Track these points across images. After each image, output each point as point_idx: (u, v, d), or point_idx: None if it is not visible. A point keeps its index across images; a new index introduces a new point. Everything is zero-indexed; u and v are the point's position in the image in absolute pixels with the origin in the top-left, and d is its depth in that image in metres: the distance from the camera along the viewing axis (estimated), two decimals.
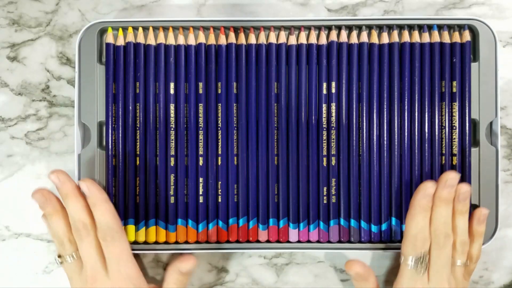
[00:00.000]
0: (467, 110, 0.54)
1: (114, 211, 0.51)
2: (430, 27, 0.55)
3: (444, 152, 0.54)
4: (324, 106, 0.54)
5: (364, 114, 0.54)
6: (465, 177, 0.54)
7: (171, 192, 0.54)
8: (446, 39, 0.54)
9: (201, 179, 0.54)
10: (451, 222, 0.51)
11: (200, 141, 0.54)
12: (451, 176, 0.50)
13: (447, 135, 0.54)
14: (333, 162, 0.54)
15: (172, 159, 0.54)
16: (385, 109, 0.54)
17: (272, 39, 0.54)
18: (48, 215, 0.51)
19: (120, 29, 0.54)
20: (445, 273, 0.50)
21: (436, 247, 0.50)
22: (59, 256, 0.52)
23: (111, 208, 0.51)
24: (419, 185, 0.51)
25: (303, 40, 0.54)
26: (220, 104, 0.54)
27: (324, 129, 0.54)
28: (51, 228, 0.52)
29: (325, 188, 0.54)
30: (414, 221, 0.50)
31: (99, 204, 0.50)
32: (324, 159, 0.54)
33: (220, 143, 0.54)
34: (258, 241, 0.55)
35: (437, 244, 0.50)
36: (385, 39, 0.54)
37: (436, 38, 0.54)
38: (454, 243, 0.51)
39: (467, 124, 0.54)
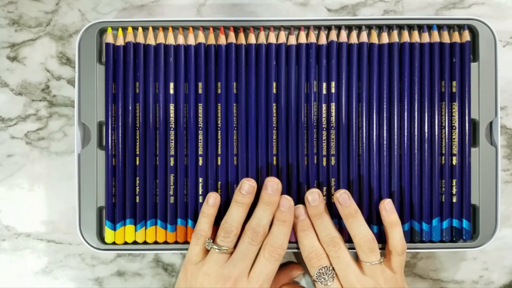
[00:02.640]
0: (466, 110, 0.54)
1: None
2: (429, 27, 0.55)
3: (443, 152, 0.54)
4: (324, 106, 0.54)
5: (364, 114, 0.54)
6: (465, 177, 0.54)
7: (171, 192, 0.54)
8: (446, 39, 0.54)
9: (200, 179, 0.54)
10: (347, 226, 0.52)
11: (199, 141, 0.54)
12: (309, 193, 0.52)
13: (446, 135, 0.54)
14: (333, 162, 0.54)
15: (172, 159, 0.54)
16: (384, 109, 0.54)
17: (272, 39, 0.54)
18: (240, 204, 0.52)
19: (120, 29, 0.54)
20: (352, 274, 0.50)
21: (331, 257, 0.51)
22: (212, 241, 0.52)
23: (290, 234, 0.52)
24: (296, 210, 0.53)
25: (302, 40, 0.54)
26: (219, 104, 0.54)
27: (324, 129, 0.54)
28: (232, 214, 0.52)
29: (324, 188, 0.54)
30: (300, 244, 0.52)
31: (288, 225, 0.52)
32: (324, 159, 0.54)
33: (219, 143, 0.54)
34: None
35: (330, 254, 0.51)
36: (384, 39, 0.54)
37: (435, 38, 0.54)
38: (359, 245, 0.51)
39: (466, 124, 0.54)
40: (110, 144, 0.54)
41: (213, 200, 0.52)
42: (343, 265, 0.50)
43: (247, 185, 0.52)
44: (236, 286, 0.49)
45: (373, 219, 0.54)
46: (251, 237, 0.50)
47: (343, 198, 0.51)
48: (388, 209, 0.52)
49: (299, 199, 0.54)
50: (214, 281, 0.49)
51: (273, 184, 0.52)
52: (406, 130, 0.54)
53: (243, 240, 0.50)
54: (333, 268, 0.51)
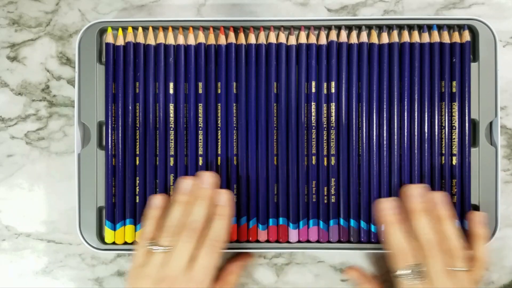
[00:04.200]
0: (466, 110, 0.54)
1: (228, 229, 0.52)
2: (430, 27, 0.55)
3: (443, 152, 0.54)
4: (324, 106, 0.54)
5: (364, 114, 0.54)
6: (464, 177, 0.54)
7: (171, 192, 0.54)
8: (446, 39, 0.54)
9: None
10: (439, 229, 0.50)
11: (199, 141, 0.54)
12: (413, 187, 0.51)
13: (446, 135, 0.54)
14: (333, 162, 0.54)
15: (172, 159, 0.54)
16: (384, 109, 0.54)
17: (272, 39, 0.54)
18: (182, 203, 0.51)
19: (120, 29, 0.54)
20: (446, 279, 0.48)
21: (427, 256, 0.49)
22: (152, 242, 0.51)
23: (229, 227, 0.52)
24: (376, 204, 0.52)
25: (303, 40, 0.54)
26: (219, 104, 0.54)
27: (324, 129, 0.54)
28: (174, 213, 0.51)
29: (325, 188, 0.54)
30: (391, 236, 0.50)
31: (226, 218, 0.51)
32: (324, 159, 0.54)
33: (219, 143, 0.54)
34: (257, 241, 0.55)
35: (425, 253, 0.49)
36: (384, 39, 0.54)
37: (435, 38, 0.54)
38: (448, 249, 0.50)
39: (466, 124, 0.54)
40: (110, 144, 0.54)
41: (157, 202, 0.52)
42: (436, 268, 0.49)
43: (185, 184, 0.51)
44: (175, 284, 0.48)
45: (373, 218, 0.54)
46: (186, 234, 0.49)
47: (441, 201, 0.51)
48: (478, 222, 0.53)
49: (299, 199, 0.54)
50: (154, 282, 0.49)
51: (207, 178, 0.51)
52: (406, 130, 0.54)
53: (179, 238, 0.50)
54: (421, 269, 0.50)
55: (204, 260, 0.49)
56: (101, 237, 0.55)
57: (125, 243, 0.55)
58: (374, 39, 0.54)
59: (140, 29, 0.54)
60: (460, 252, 0.49)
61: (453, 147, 0.54)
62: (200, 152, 0.54)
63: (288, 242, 0.55)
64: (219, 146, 0.54)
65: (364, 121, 0.54)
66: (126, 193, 0.54)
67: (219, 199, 0.51)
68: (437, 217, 0.50)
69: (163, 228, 0.50)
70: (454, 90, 0.54)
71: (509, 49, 0.58)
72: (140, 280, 0.49)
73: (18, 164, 0.59)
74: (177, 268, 0.49)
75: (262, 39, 0.54)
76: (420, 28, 0.55)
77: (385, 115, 0.54)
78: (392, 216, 0.51)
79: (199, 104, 0.54)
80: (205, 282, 0.49)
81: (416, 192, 0.51)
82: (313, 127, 0.54)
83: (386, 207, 0.51)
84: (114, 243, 0.55)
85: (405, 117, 0.54)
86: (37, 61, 0.58)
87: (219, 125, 0.54)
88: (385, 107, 0.54)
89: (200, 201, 0.51)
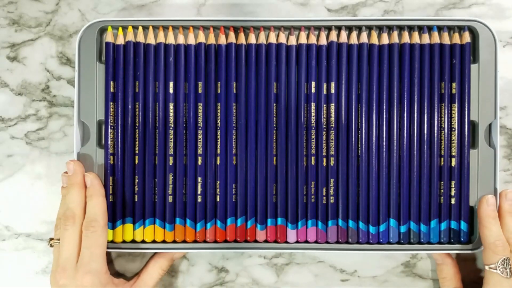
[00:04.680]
0: (466, 112, 0.54)
1: (105, 207, 0.53)
2: (430, 28, 0.55)
3: (443, 153, 0.54)
4: (324, 107, 0.54)
5: (364, 115, 0.54)
6: (463, 179, 0.54)
7: (170, 191, 0.54)
8: (446, 40, 0.54)
9: (199, 179, 0.54)
10: None
11: (199, 140, 0.54)
12: (510, 191, 0.53)
13: (446, 136, 0.54)
14: (332, 162, 0.54)
15: (171, 158, 0.54)
16: (384, 110, 0.54)
17: (272, 39, 0.54)
18: (71, 185, 0.53)
19: (120, 28, 0.54)
20: None
21: None
22: (51, 239, 0.54)
23: (104, 204, 0.53)
24: (481, 198, 0.54)
25: (303, 40, 0.54)
26: (219, 104, 0.54)
27: (323, 129, 0.54)
28: (66, 199, 0.53)
29: (324, 189, 0.54)
30: (487, 230, 0.52)
31: (95, 197, 0.52)
32: (324, 159, 0.54)
33: (219, 143, 0.54)
34: (256, 241, 0.55)
35: None
36: (385, 40, 0.54)
37: (436, 39, 0.54)
38: None
39: (466, 126, 0.54)
40: (109, 143, 0.54)
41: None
42: None
43: (63, 178, 0.54)
44: (66, 271, 0.51)
45: (372, 219, 0.54)
46: (63, 222, 0.51)
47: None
48: None
49: (298, 199, 0.54)
50: (53, 274, 0.52)
51: (70, 166, 0.53)
52: (405, 131, 0.54)
53: (61, 228, 0.52)
54: None
55: (84, 242, 0.51)
56: None
57: (124, 241, 0.55)
58: (374, 40, 0.54)
59: (140, 28, 0.54)
60: None
61: (452, 148, 0.54)
62: (200, 151, 0.54)
63: (286, 242, 0.55)
64: (219, 145, 0.54)
65: (363, 122, 0.54)
66: (125, 192, 0.54)
67: (86, 182, 0.53)
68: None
69: (497, 241, 0.52)
70: (453, 91, 0.54)
71: (509, 49, 0.58)
72: (51, 276, 0.52)
73: (18, 164, 0.59)
74: (65, 256, 0.51)
75: (262, 39, 0.54)
76: (420, 29, 0.54)
77: (384, 116, 0.54)
78: (493, 212, 0.53)
79: (199, 104, 0.54)
80: (92, 263, 0.51)
81: (510, 196, 0.54)
82: (313, 128, 0.54)
83: (490, 202, 0.53)
84: (112, 241, 0.55)
85: (405, 118, 0.54)
86: (37, 61, 0.59)
87: (219, 124, 0.54)
88: (384, 108, 0.54)
89: (70, 189, 0.53)
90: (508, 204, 0.53)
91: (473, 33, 0.55)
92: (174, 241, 0.55)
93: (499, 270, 0.51)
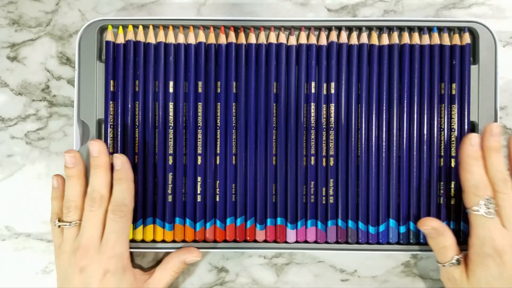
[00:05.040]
0: (466, 113, 0.54)
1: (133, 193, 0.52)
2: (430, 29, 0.55)
3: (442, 154, 0.54)
4: (324, 107, 0.54)
5: (363, 115, 0.54)
6: None
7: (169, 191, 0.54)
8: (446, 41, 0.54)
9: (199, 178, 0.54)
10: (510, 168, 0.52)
11: (198, 140, 0.54)
12: (494, 126, 0.51)
13: (445, 137, 0.54)
14: (332, 162, 0.54)
15: (171, 158, 0.54)
16: (384, 111, 0.54)
17: (272, 39, 0.54)
18: (69, 177, 0.52)
19: (120, 27, 0.54)
20: None
21: (499, 192, 0.50)
22: (59, 220, 0.53)
23: (133, 189, 0.52)
24: (463, 138, 0.51)
25: (303, 40, 0.54)
26: (219, 104, 0.54)
27: (323, 129, 0.54)
28: (67, 189, 0.52)
29: (323, 189, 0.54)
30: (468, 172, 0.50)
31: (125, 181, 0.52)
32: (323, 159, 0.54)
33: (218, 143, 0.54)
34: (255, 241, 0.55)
35: (498, 190, 0.50)
36: (385, 41, 0.54)
37: (436, 40, 0.54)
38: None
39: (466, 127, 0.54)
40: (108, 142, 0.54)
41: (54, 183, 0.54)
42: (510, 203, 0.50)
43: (68, 157, 0.52)
44: (88, 253, 0.50)
45: (372, 219, 0.54)
46: (89, 203, 0.51)
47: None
48: None
49: (297, 199, 0.54)
50: (69, 254, 0.51)
51: (94, 147, 0.52)
52: (405, 132, 0.54)
53: (84, 209, 0.51)
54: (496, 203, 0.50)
55: (111, 226, 0.51)
56: None
57: None
58: (374, 41, 0.54)
59: (141, 27, 0.54)
60: None
61: (452, 149, 0.54)
62: (199, 151, 0.54)
63: (286, 242, 0.55)
64: (218, 145, 0.54)
65: (363, 122, 0.54)
66: None
67: (115, 164, 0.52)
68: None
69: (63, 205, 0.52)
70: (453, 92, 0.54)
71: (509, 49, 0.58)
72: (59, 258, 0.52)
73: (18, 164, 0.59)
74: (88, 237, 0.50)
75: (262, 39, 0.54)
76: (421, 30, 0.54)
77: (384, 117, 0.54)
78: (476, 152, 0.51)
79: (199, 103, 0.54)
80: (116, 248, 0.51)
81: (497, 130, 0.51)
82: (312, 128, 0.54)
83: (474, 142, 0.51)
84: None
85: (405, 119, 0.54)
86: (37, 61, 0.59)
87: (218, 124, 0.54)
88: (384, 108, 0.54)
89: (96, 170, 0.52)
90: (493, 140, 0.51)
91: (473, 34, 0.55)
92: (174, 241, 0.55)
93: (482, 211, 0.49)
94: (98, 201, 0.51)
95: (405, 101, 0.54)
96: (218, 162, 0.54)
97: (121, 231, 0.51)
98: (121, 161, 0.52)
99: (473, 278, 0.50)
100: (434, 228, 0.52)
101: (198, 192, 0.54)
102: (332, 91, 0.54)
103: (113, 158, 0.52)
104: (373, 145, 0.54)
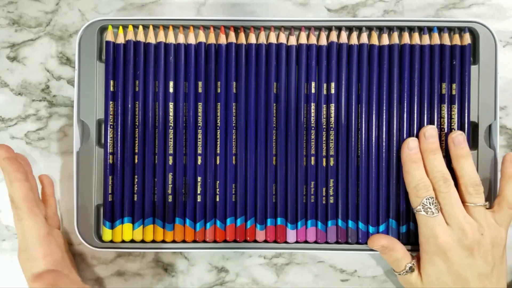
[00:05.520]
0: (466, 113, 0.54)
1: (24, 192, 0.52)
2: (430, 29, 0.55)
3: (443, 154, 0.54)
4: (324, 107, 0.54)
5: (363, 115, 0.54)
6: None
7: (169, 191, 0.54)
8: (446, 41, 0.54)
9: (199, 178, 0.54)
10: (456, 167, 0.52)
11: (199, 140, 0.54)
12: (428, 128, 0.52)
13: (446, 137, 0.54)
14: (332, 163, 0.54)
15: (171, 158, 0.54)
16: (384, 111, 0.54)
17: (272, 39, 0.54)
18: (17, 180, 0.52)
19: (121, 27, 0.54)
20: (458, 211, 0.50)
21: (440, 192, 0.51)
22: None
23: (22, 187, 0.52)
24: (402, 143, 0.53)
25: (303, 40, 0.54)
26: (219, 104, 0.54)
27: (323, 129, 0.54)
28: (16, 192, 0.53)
29: (323, 189, 0.54)
30: (409, 175, 0.52)
31: (12, 182, 0.52)
32: (323, 159, 0.54)
33: (218, 143, 0.54)
34: (255, 241, 0.55)
35: (439, 189, 0.51)
36: (385, 41, 0.54)
37: (436, 40, 0.54)
38: (465, 186, 0.51)
39: (466, 127, 0.54)
40: (108, 142, 0.54)
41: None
42: (451, 201, 0.51)
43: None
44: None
45: (372, 220, 0.54)
46: None
47: (459, 140, 0.52)
48: (508, 160, 0.53)
49: (297, 200, 0.54)
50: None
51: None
52: (405, 132, 0.54)
53: None
54: (438, 202, 0.51)
55: (22, 226, 0.52)
56: (98, 236, 0.55)
57: (123, 241, 0.55)
58: (375, 41, 0.54)
59: (141, 27, 0.54)
60: (478, 188, 0.51)
61: None
62: (199, 151, 0.54)
63: (286, 242, 0.55)
64: (218, 145, 0.54)
65: (363, 122, 0.54)
66: (124, 192, 0.54)
67: (3, 167, 0.53)
68: (454, 156, 0.52)
69: (419, 183, 0.53)
70: (454, 92, 0.54)
71: (509, 49, 0.58)
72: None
73: None
74: (18, 238, 0.53)
75: (262, 39, 0.54)
76: (421, 30, 0.54)
77: (384, 117, 0.54)
78: (415, 155, 0.52)
79: (199, 103, 0.54)
80: (33, 244, 0.51)
81: (430, 133, 0.52)
82: (312, 128, 0.54)
83: (411, 146, 0.52)
84: (111, 241, 0.55)
85: (405, 119, 0.54)
86: (37, 61, 0.59)
87: (219, 124, 0.54)
88: (384, 108, 0.54)
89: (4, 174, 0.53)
90: (429, 142, 0.52)
91: (473, 34, 0.55)
92: (174, 241, 0.55)
93: (423, 211, 0.51)
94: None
95: (405, 101, 0.54)
96: (218, 162, 0.54)
97: (26, 228, 0.52)
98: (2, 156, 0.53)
99: (425, 276, 0.52)
100: (384, 246, 0.53)
101: (198, 192, 0.54)
102: (332, 91, 0.54)
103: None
104: (373, 145, 0.54)
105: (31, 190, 0.52)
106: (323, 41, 0.54)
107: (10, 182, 0.52)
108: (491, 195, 0.55)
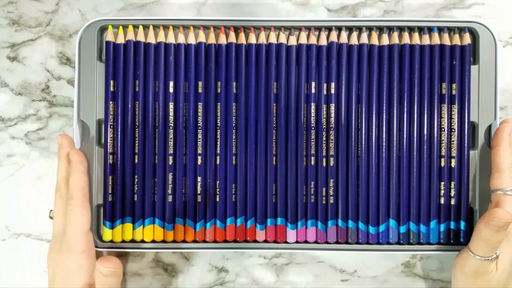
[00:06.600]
0: (466, 113, 0.54)
1: (83, 184, 0.52)
2: (430, 29, 0.55)
3: (442, 154, 0.54)
4: (324, 107, 0.54)
5: (363, 115, 0.54)
6: (463, 179, 0.54)
7: (169, 191, 0.54)
8: (446, 41, 0.54)
9: (199, 178, 0.54)
10: None
11: (199, 140, 0.54)
12: None
13: (446, 137, 0.54)
14: (332, 163, 0.54)
15: (171, 158, 0.54)
16: (384, 111, 0.54)
17: (272, 39, 0.54)
18: (58, 158, 0.54)
19: (121, 27, 0.54)
20: None
21: None
22: (51, 211, 0.55)
23: (81, 180, 0.52)
24: (501, 122, 0.53)
25: (303, 40, 0.54)
26: (219, 104, 0.54)
27: (323, 129, 0.54)
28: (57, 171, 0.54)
29: (323, 189, 0.54)
30: (500, 156, 0.52)
31: (73, 173, 0.52)
32: (323, 159, 0.54)
33: (219, 143, 0.54)
34: (255, 241, 0.55)
35: None
36: (385, 41, 0.54)
37: (436, 40, 0.54)
38: None
39: (466, 127, 0.54)
40: (108, 142, 0.54)
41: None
42: None
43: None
44: (55, 248, 0.53)
45: (372, 219, 0.54)
46: (55, 196, 0.54)
47: None
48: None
49: (297, 200, 0.54)
50: (49, 249, 0.54)
51: (58, 140, 0.54)
52: (405, 132, 0.54)
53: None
54: None
55: (69, 216, 0.51)
56: (99, 236, 0.55)
57: (123, 241, 0.55)
58: (375, 41, 0.54)
59: (141, 27, 0.54)
60: None
61: (452, 149, 0.54)
62: (199, 151, 0.54)
63: (286, 242, 0.55)
64: (218, 145, 0.54)
65: (363, 123, 0.54)
66: (124, 192, 0.54)
67: (71, 157, 0.53)
68: None
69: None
70: (454, 92, 0.54)
71: (509, 49, 0.58)
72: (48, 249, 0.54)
73: (18, 164, 0.59)
74: (55, 228, 0.53)
75: (262, 39, 0.54)
76: (421, 30, 0.54)
77: (384, 117, 0.54)
78: (507, 138, 0.52)
79: (199, 103, 0.54)
80: (75, 236, 0.51)
81: None
82: (313, 128, 0.54)
83: (506, 128, 0.52)
84: (112, 241, 0.55)
85: (405, 119, 0.54)
86: (37, 61, 0.59)
87: (219, 124, 0.54)
88: (384, 108, 0.54)
89: (58, 163, 0.54)
90: None
91: (473, 34, 0.55)
92: (174, 241, 0.55)
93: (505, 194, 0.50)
94: (61, 191, 0.53)
95: (405, 101, 0.54)
96: (218, 162, 0.54)
97: (77, 220, 0.52)
98: (74, 153, 0.53)
99: (501, 261, 0.50)
100: (508, 222, 0.50)
101: (198, 192, 0.54)
102: (332, 91, 0.54)
103: (69, 151, 0.53)
104: (373, 145, 0.54)
105: (87, 185, 0.53)
106: (323, 41, 0.54)
107: (72, 172, 0.52)
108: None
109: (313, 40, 0.54)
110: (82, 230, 0.52)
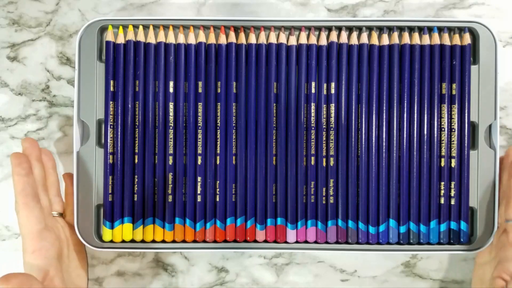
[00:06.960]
0: (466, 113, 0.54)
1: (21, 186, 0.51)
2: (430, 29, 0.55)
3: (443, 154, 0.54)
4: (324, 107, 0.54)
5: (363, 115, 0.54)
6: (463, 179, 0.54)
7: (169, 191, 0.54)
8: (446, 41, 0.54)
9: (199, 178, 0.54)
10: None
11: (199, 140, 0.54)
12: None
13: (446, 137, 0.54)
14: (332, 162, 0.54)
15: (171, 158, 0.54)
16: (384, 111, 0.54)
17: (272, 39, 0.54)
18: (16, 174, 0.52)
19: (121, 27, 0.54)
20: None
21: None
22: None
23: (18, 182, 0.51)
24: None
25: (303, 40, 0.54)
26: (219, 104, 0.54)
27: (323, 129, 0.54)
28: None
29: (323, 189, 0.54)
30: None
31: (12, 175, 0.52)
32: (323, 159, 0.54)
33: (219, 143, 0.54)
34: (255, 241, 0.55)
35: None
36: (385, 41, 0.54)
37: (436, 40, 0.54)
38: None
39: (466, 127, 0.54)
40: (108, 142, 0.54)
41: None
42: None
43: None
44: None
45: (372, 219, 0.54)
46: None
47: None
48: None
49: (297, 200, 0.54)
50: None
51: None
52: (405, 132, 0.54)
53: None
54: None
55: (18, 219, 0.51)
56: (99, 236, 0.55)
57: (123, 241, 0.55)
58: (375, 41, 0.54)
59: (141, 27, 0.54)
60: None
61: (452, 149, 0.54)
62: (199, 151, 0.54)
63: (286, 242, 0.55)
64: (218, 145, 0.54)
65: (363, 122, 0.54)
66: (124, 192, 0.54)
67: (10, 160, 0.52)
68: None
69: None
70: (454, 92, 0.54)
71: (509, 49, 0.58)
72: None
73: None
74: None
75: (262, 39, 0.54)
76: (421, 30, 0.54)
77: (384, 117, 0.54)
78: None
79: (199, 103, 0.54)
80: (25, 237, 0.50)
81: None
82: (313, 128, 0.54)
83: None
84: (112, 241, 0.55)
85: (405, 119, 0.54)
86: (37, 61, 0.59)
87: (219, 124, 0.54)
88: (384, 108, 0.54)
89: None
90: None
91: (473, 34, 0.55)
92: (174, 241, 0.55)
93: None
94: None
95: (405, 101, 0.54)
96: (218, 162, 0.54)
97: (24, 221, 0.51)
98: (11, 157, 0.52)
99: None
100: None
101: (198, 192, 0.54)
102: (332, 91, 0.54)
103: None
104: (373, 145, 0.54)
105: (30, 185, 0.51)
106: (323, 41, 0.54)
107: (12, 175, 0.51)
108: (495, 197, 0.54)
109: (313, 40, 0.54)
110: (30, 231, 0.50)
